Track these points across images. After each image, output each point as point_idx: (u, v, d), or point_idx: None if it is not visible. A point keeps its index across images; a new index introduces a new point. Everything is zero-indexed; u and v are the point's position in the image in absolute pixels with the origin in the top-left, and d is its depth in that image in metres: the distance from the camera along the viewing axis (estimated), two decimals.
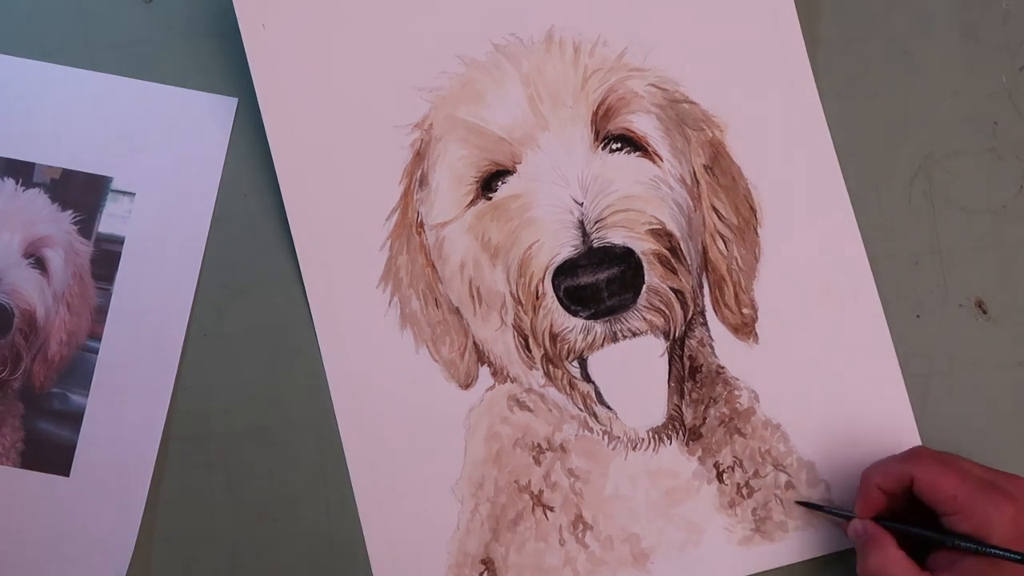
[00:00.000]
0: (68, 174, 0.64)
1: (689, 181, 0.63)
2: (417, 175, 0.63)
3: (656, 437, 0.62)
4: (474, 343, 0.63)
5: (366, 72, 0.63)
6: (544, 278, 0.61)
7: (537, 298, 0.61)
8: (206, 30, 0.65)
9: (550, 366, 0.62)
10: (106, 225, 0.64)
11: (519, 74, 0.63)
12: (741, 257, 0.63)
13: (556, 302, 0.61)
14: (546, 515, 0.62)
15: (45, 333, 0.64)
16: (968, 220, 0.64)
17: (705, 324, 0.63)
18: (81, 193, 0.64)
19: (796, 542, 0.61)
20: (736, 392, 0.62)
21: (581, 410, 0.62)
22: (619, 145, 0.62)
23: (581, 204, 0.61)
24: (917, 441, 0.62)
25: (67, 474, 0.63)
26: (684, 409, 0.62)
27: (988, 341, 0.64)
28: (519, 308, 0.61)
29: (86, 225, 0.64)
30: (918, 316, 0.64)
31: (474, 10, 0.63)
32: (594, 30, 0.63)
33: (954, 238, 0.64)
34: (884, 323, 0.63)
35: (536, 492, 0.62)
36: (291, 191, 0.63)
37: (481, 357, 0.63)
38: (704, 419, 0.62)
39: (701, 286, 0.63)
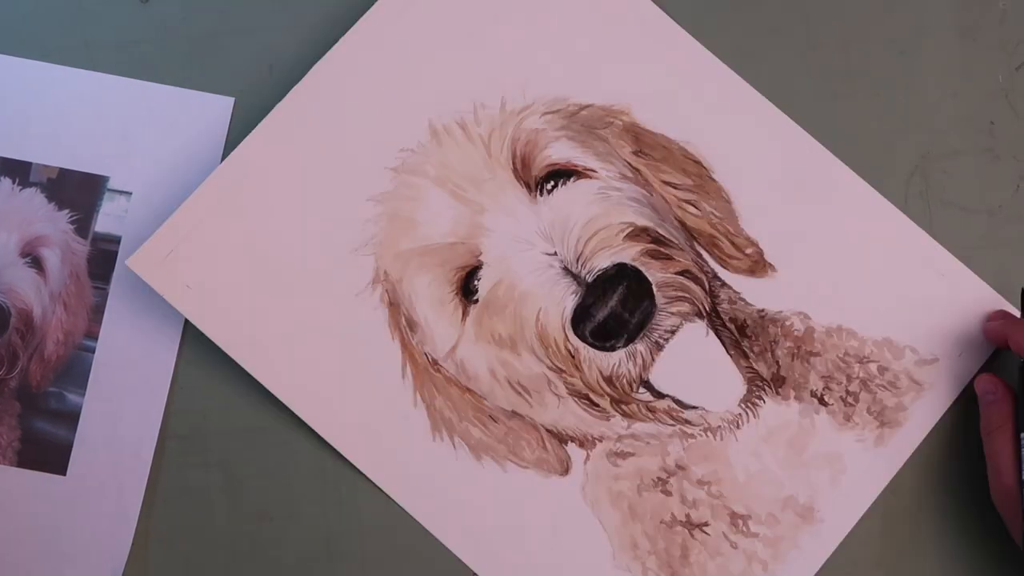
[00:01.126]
0: (65, 173, 0.64)
1: (629, 174, 0.63)
2: (402, 323, 0.62)
3: (749, 405, 0.62)
4: (547, 431, 0.62)
5: (303, 258, 0.62)
6: (566, 336, 0.60)
7: (572, 357, 0.61)
8: (202, 30, 0.64)
9: (622, 406, 0.62)
10: (103, 224, 0.64)
11: (430, 180, 0.62)
12: (715, 208, 0.64)
13: (590, 349, 0.61)
14: (705, 532, 0.62)
15: (42, 332, 0.63)
16: (965, 220, 0.64)
17: (725, 284, 0.63)
18: (78, 192, 0.64)
19: (921, 412, 0.62)
20: (788, 323, 0.63)
21: (673, 425, 0.62)
22: (552, 183, 0.62)
23: (555, 253, 0.61)
24: (961, 268, 0.63)
25: (64, 473, 0.62)
26: (756, 366, 0.63)
27: None
28: (563, 375, 0.61)
29: (83, 224, 0.64)
30: None
31: (359, 154, 0.62)
32: (466, 102, 0.63)
33: (951, 238, 0.64)
34: (871, 190, 0.63)
35: (684, 519, 0.62)
36: (296, 404, 0.61)
37: (561, 438, 0.62)
38: (777, 363, 0.63)
39: (700, 255, 0.63)
